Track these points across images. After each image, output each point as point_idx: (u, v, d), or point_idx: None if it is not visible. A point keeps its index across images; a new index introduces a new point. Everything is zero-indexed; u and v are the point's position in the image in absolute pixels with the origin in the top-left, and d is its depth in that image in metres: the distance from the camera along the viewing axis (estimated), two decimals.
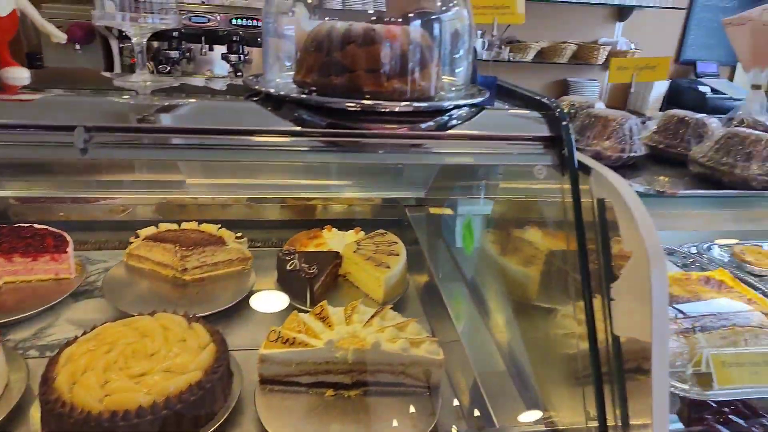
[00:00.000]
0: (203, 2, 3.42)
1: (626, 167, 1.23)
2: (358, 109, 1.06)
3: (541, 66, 4.81)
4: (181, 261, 1.58)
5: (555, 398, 1.27)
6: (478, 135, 1.14)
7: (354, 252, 1.72)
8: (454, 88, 1.26)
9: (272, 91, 1.10)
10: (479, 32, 4.62)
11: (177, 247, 1.60)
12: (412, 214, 2.18)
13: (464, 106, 1.19)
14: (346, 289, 1.71)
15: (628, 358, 1.00)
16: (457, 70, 1.24)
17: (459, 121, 1.16)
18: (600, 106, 1.42)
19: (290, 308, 1.53)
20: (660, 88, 5.04)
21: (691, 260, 1.61)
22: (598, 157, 1.22)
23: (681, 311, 1.23)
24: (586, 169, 1.11)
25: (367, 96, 1.09)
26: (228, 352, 1.20)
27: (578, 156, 1.15)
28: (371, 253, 1.72)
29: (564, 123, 1.13)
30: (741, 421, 1.23)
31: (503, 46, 4.56)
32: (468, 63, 1.26)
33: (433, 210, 2.17)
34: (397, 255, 1.73)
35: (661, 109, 5.06)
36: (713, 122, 1.23)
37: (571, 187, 1.10)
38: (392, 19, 1.14)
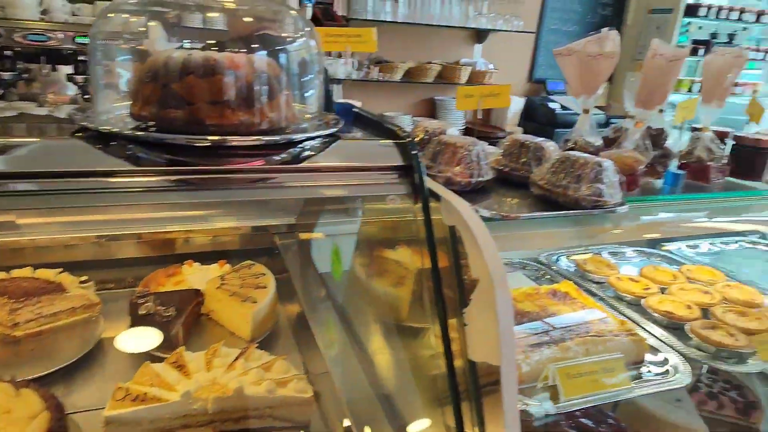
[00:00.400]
0: (42, 19, 3.11)
1: (476, 191, 1.28)
2: (200, 144, 1.00)
3: (409, 85, 4.98)
4: (11, 315, 1.39)
5: (422, 419, 1.28)
6: (331, 167, 1.12)
7: (217, 288, 1.63)
8: (308, 116, 1.24)
9: (103, 127, 1.00)
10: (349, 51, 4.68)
11: (5, 299, 1.40)
12: (283, 242, 2.11)
13: (317, 137, 1.17)
14: (210, 329, 1.61)
15: (482, 374, 1.03)
16: (308, 99, 1.22)
17: (312, 153, 1.14)
18: (452, 132, 1.47)
19: (148, 357, 1.41)
20: (517, 104, 5.44)
21: (542, 273, 1.72)
22: (449, 182, 1.25)
23: (551, 324, 1.30)
24: (438, 197, 1.14)
25: (212, 129, 1.03)
26: (64, 419, 1.07)
27: (430, 184, 1.18)
28: (236, 287, 1.64)
29: (414, 152, 1.14)
30: (589, 422, 1.33)
31: (372, 67, 4.65)
32: (319, 90, 1.24)
33: (303, 236, 2.12)
34: (265, 287, 1.66)
35: (518, 124, 5.46)
36: (550, 146, 1.33)
37: (423, 215, 1.12)
38: (235, 49, 1.09)
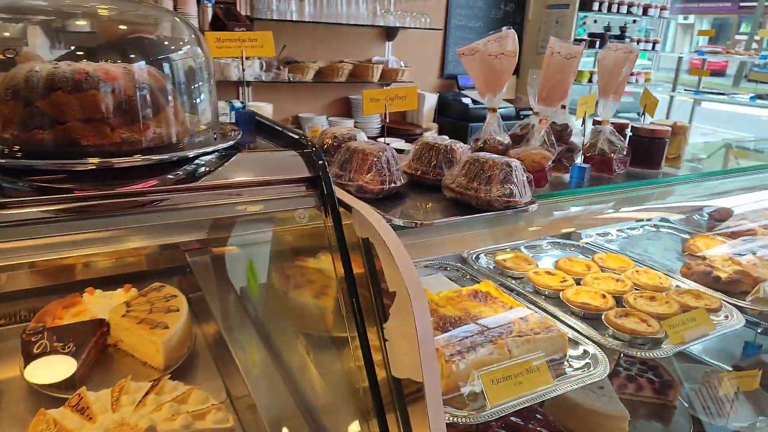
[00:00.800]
0: None
1: (389, 198, 1.24)
2: (80, 168, 0.90)
3: (321, 85, 4.89)
4: None
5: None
6: (231, 183, 1.04)
7: (122, 316, 1.50)
8: (202, 128, 1.15)
9: None
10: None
11: None
12: (195, 258, 1.98)
13: (214, 151, 1.08)
14: (119, 361, 1.48)
15: (406, 384, 0.99)
16: (200, 110, 1.13)
17: (209, 169, 1.06)
18: (362, 137, 1.42)
19: (47, 401, 1.26)
20: (431, 100, 5.49)
21: (462, 273, 1.72)
22: (361, 190, 1.21)
23: (474, 329, 1.28)
24: (350, 208, 1.10)
25: (90, 150, 0.93)
26: None
27: (341, 194, 1.13)
28: (145, 313, 1.52)
29: (321, 162, 1.09)
30: (519, 420, 1.34)
31: (282, 67, 4.53)
32: (212, 99, 1.16)
33: (216, 251, 2.01)
34: (177, 311, 1.55)
35: (434, 120, 5.52)
36: (459, 147, 1.31)
37: (335, 229, 1.06)
38: (111, 59, 0.98)
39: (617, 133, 1.62)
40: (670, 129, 1.67)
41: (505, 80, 1.43)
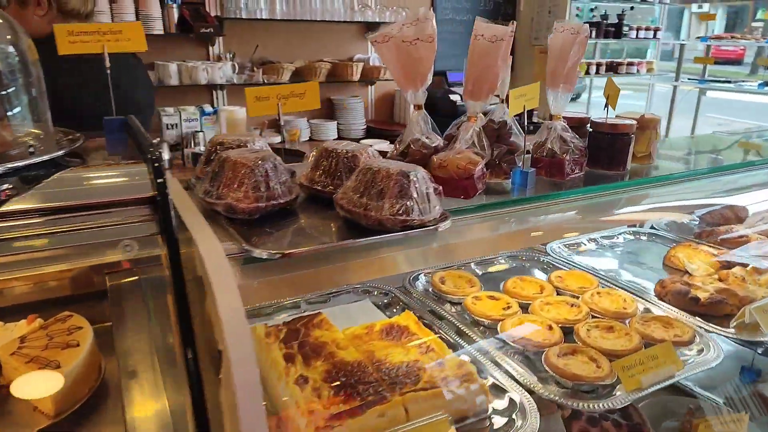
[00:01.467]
0: None
1: (272, 218, 1.01)
2: None
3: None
4: None
5: None
6: (36, 209, 0.82)
7: (12, 354, 1.30)
8: (27, 139, 0.93)
9: None
10: (228, 54, 4.34)
11: None
12: (114, 283, 1.76)
13: (24, 166, 0.86)
14: (12, 405, 1.28)
15: None
16: (17, 119, 0.92)
17: (11, 192, 0.84)
18: (260, 144, 1.19)
19: None
20: None
21: (392, 298, 1.47)
22: (231, 210, 0.98)
23: (385, 375, 1.05)
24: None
25: None
26: None
27: (190, 217, 0.90)
28: (38, 350, 1.32)
29: (160, 180, 0.86)
30: None
31: (256, 68, 4.31)
32: (39, 106, 0.94)
33: (138, 272, 1.79)
34: (77, 345, 1.34)
35: None
36: (365, 154, 1.07)
37: (170, 265, 0.84)
38: None
39: (572, 130, 1.37)
40: (635, 123, 1.42)
41: (425, 70, 1.19)
